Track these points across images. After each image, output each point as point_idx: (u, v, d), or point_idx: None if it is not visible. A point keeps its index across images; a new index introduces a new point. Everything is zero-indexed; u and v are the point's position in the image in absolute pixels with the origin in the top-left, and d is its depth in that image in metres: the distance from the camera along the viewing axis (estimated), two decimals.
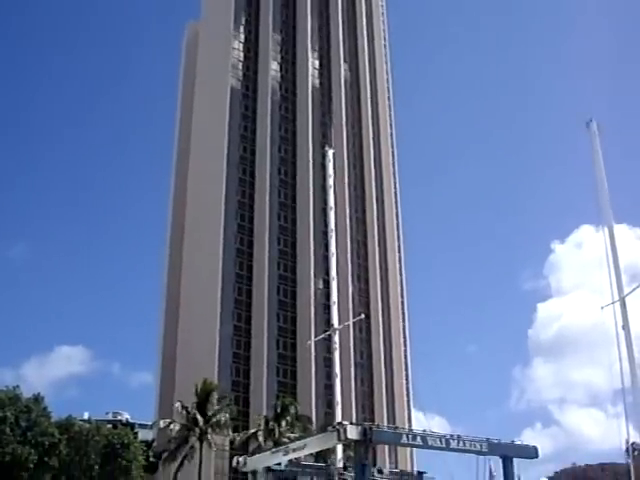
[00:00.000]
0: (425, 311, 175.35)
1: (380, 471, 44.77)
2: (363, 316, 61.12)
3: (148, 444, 76.00)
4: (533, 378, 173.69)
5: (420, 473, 43.54)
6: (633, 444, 29.99)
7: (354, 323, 67.06)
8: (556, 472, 71.57)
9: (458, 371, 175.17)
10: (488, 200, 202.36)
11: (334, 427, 35.75)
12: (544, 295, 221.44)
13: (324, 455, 58.87)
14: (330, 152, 53.91)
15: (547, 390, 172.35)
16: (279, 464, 39.64)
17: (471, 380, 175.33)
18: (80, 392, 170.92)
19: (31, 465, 49.36)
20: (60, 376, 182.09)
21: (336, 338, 42.71)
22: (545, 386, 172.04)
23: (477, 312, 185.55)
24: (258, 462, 39.84)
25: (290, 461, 40.86)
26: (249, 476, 50.02)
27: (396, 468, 67.48)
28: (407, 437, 39.39)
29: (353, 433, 32.06)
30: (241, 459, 41.44)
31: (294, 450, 38.15)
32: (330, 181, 52.64)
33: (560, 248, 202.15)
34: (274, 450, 41.56)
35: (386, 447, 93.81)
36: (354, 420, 40.96)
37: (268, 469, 39.63)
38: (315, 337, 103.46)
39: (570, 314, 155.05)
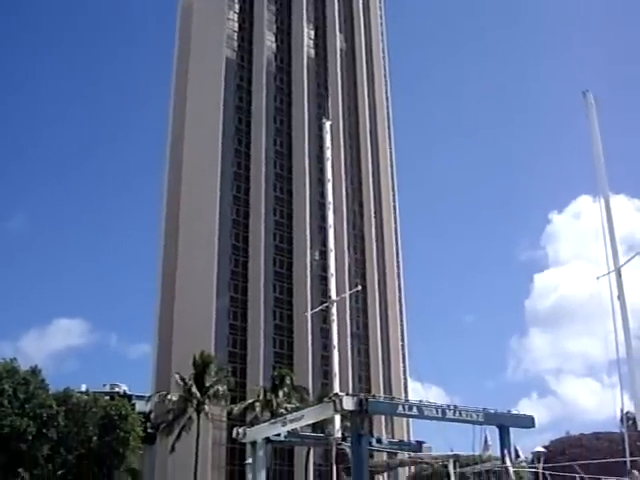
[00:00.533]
0: (422, 282, 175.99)
1: (379, 440, 44.91)
2: (360, 288, 61.28)
3: (146, 415, 76.33)
4: (530, 348, 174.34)
5: (419, 442, 43.72)
6: (627, 413, 30.14)
7: (350, 294, 67.15)
8: (551, 441, 71.86)
9: (455, 341, 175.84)
10: (486, 170, 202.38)
11: (330, 398, 35.93)
12: (541, 266, 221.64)
13: (321, 425, 59.23)
14: (327, 124, 53.66)
15: (544, 360, 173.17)
16: (278, 435, 39.85)
17: (468, 350, 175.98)
18: (78, 364, 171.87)
19: (30, 437, 49.59)
20: (59, 348, 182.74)
21: (334, 310, 42.73)
22: (542, 356, 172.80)
23: (474, 283, 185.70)
24: (257, 433, 40.02)
25: (289, 432, 41.11)
26: (247, 447, 50.42)
27: (393, 438, 67.83)
28: (403, 407, 39.51)
29: (349, 404, 32.18)
30: (240, 430, 41.63)
31: (292, 421, 38.34)
32: (328, 153, 52.36)
33: (558, 219, 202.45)
34: (273, 421, 41.79)
35: (382, 418, 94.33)
36: (351, 391, 41.20)
37: (267, 440, 39.86)
38: (312, 308, 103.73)
39: (567, 285, 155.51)
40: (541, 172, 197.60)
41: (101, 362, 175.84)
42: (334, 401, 33.10)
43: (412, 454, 43.00)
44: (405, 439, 52.64)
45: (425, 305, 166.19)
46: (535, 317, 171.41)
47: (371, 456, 46.38)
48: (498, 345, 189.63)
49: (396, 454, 43.53)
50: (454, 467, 39.05)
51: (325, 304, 45.56)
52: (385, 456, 56.49)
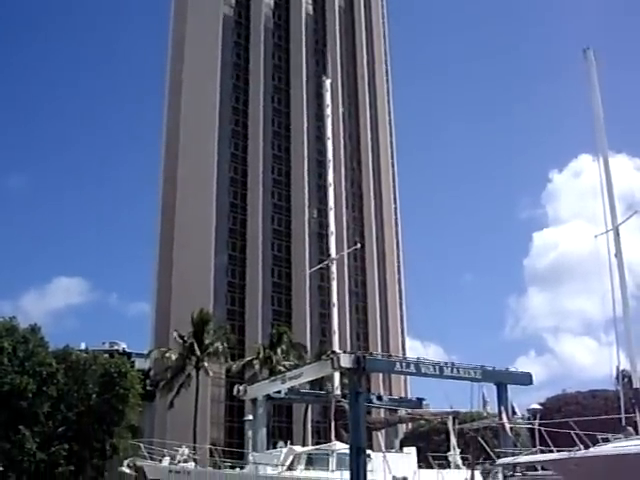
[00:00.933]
0: (420, 241, 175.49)
1: (379, 398, 45.34)
2: (359, 246, 61.19)
3: (145, 373, 76.80)
4: (528, 307, 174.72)
5: (419, 399, 44.11)
6: (623, 371, 30.37)
7: (349, 252, 67.15)
8: (547, 398, 72.39)
9: (454, 300, 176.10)
10: (486, 128, 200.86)
11: (328, 356, 36.27)
12: (541, 224, 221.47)
13: (319, 383, 59.71)
14: (327, 82, 53.68)
15: (542, 319, 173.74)
16: (279, 392, 40.26)
17: (467, 309, 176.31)
18: (78, 323, 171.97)
19: (30, 394, 49.88)
20: (59, 307, 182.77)
21: (333, 268, 42.91)
22: (540, 315, 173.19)
23: (473, 241, 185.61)
24: (258, 390, 40.52)
25: (289, 389, 41.52)
26: (247, 403, 50.88)
27: (391, 396, 68.38)
28: (401, 365, 39.85)
29: (346, 361, 32.50)
30: (241, 388, 42.13)
31: (291, 379, 38.77)
32: (327, 111, 52.38)
33: (558, 177, 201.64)
34: (272, 379, 42.23)
35: (380, 375, 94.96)
36: (349, 348, 41.39)
37: (268, 397, 40.29)
38: (310, 266, 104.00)
39: (566, 243, 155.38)
40: (541, 131, 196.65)
41: (101, 321, 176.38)
42: (332, 359, 33.45)
43: (411, 411, 43.42)
44: (403, 397, 52.92)
45: (424, 264, 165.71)
46: (534, 276, 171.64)
47: (369, 412, 46.83)
48: (496, 304, 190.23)
49: (396, 411, 43.93)
50: (453, 423, 39.41)
51: (325, 262, 45.76)
52: (382, 412, 57.07)
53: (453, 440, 39.86)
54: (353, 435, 32.00)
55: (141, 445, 32.84)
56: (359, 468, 30.79)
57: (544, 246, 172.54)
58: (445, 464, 38.65)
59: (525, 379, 38.55)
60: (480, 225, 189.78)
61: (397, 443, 42.83)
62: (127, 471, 32.68)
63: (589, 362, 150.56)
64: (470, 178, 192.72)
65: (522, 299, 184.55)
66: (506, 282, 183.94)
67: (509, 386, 36.85)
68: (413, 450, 39.02)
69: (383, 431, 48.61)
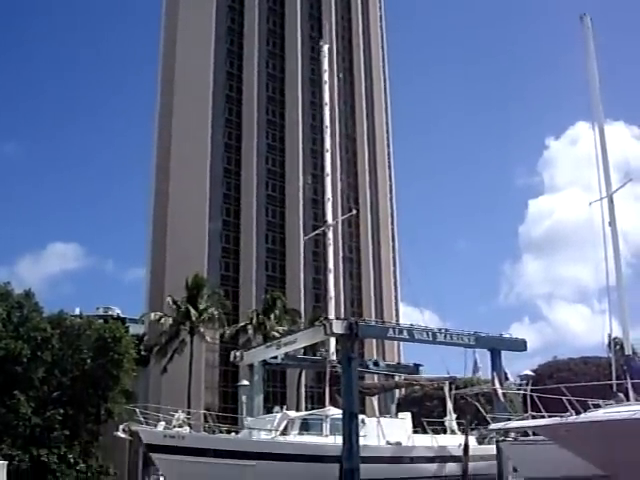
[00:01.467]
0: (415, 207, 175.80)
1: (376, 363, 45.53)
2: (355, 212, 61.12)
3: (139, 338, 76.99)
4: (522, 274, 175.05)
5: (416, 365, 44.31)
6: (615, 339, 30.60)
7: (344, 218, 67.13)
8: (540, 365, 72.77)
9: (449, 267, 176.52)
10: (482, 95, 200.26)
11: (321, 322, 36.47)
12: (537, 191, 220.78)
13: (313, 348, 59.99)
14: (325, 47, 53.49)
15: (536, 286, 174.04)
16: (275, 357, 40.46)
17: (461, 276, 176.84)
18: (73, 288, 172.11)
19: (24, 359, 50.03)
20: (54, 273, 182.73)
21: (330, 234, 42.95)
22: (534, 282, 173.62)
23: (468, 208, 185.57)
24: (254, 356, 40.76)
25: (286, 354, 41.74)
26: (240, 369, 51.17)
27: (384, 361, 68.85)
28: (394, 331, 40.04)
29: (339, 328, 32.72)
30: (238, 354, 42.40)
31: (286, 344, 38.98)
32: (325, 77, 52.32)
33: (555, 145, 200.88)
34: (268, 344, 42.43)
35: (374, 342, 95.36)
36: (342, 314, 41.59)
37: (264, 362, 40.50)
38: (304, 231, 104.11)
39: (561, 211, 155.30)
40: (539, 98, 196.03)
41: (96, 287, 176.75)
42: (324, 325, 33.64)
43: (407, 376, 43.65)
44: (400, 363, 53.19)
45: (418, 231, 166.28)
46: (529, 243, 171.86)
47: (362, 378, 47.11)
48: (491, 270, 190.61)
49: (392, 376, 44.17)
50: (450, 389, 39.67)
51: (321, 229, 45.78)
52: (376, 378, 57.39)
53: (449, 406, 40.16)
54: (345, 400, 32.28)
55: (136, 410, 33.00)
56: (351, 433, 31.10)
57: (539, 213, 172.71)
58: (439, 429, 38.96)
59: (519, 345, 38.76)
60: (476, 192, 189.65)
61: (393, 408, 43.10)
62: (122, 436, 32.86)
63: (582, 330, 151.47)
64: (466, 145, 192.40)
65: (517, 266, 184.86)
66: (501, 249, 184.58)
67: (503, 353, 37.06)
68: (408, 415, 39.29)
69: (377, 397, 49.01)
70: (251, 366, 40.74)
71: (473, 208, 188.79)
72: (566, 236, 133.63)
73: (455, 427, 39.12)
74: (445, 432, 39.19)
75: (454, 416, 39.70)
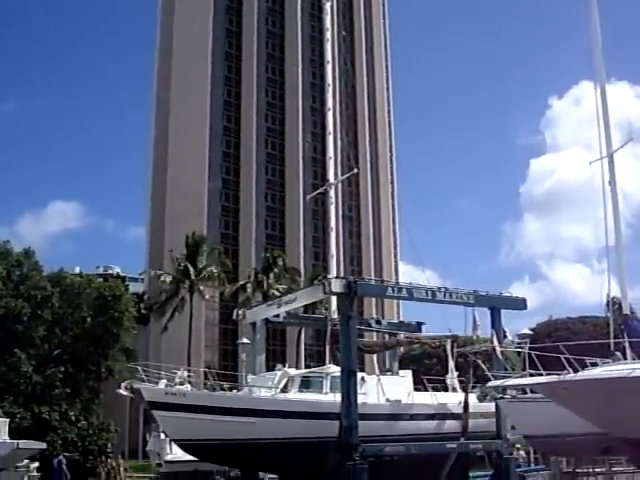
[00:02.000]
0: (417, 166, 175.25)
1: (378, 322, 45.55)
2: (356, 171, 61.03)
3: (139, 296, 77.20)
4: (523, 233, 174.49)
5: (419, 323, 44.29)
6: (613, 298, 30.63)
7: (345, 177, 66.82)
8: (538, 324, 73.01)
9: (450, 226, 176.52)
10: (485, 54, 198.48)
11: (320, 281, 36.49)
12: (539, 151, 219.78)
13: (313, 307, 60.20)
14: (327, 5, 52.98)
15: (536, 245, 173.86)
16: (277, 316, 40.59)
17: (462, 235, 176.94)
18: (74, 247, 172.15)
19: (25, 318, 50.16)
20: (54, 232, 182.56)
21: (331, 193, 42.81)
22: (535, 241, 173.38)
23: (470, 167, 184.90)
24: (256, 314, 40.79)
25: (288, 313, 41.93)
26: (239, 326, 51.37)
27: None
28: (392, 289, 40.04)
29: (337, 286, 32.76)
30: (240, 312, 42.50)
31: (286, 303, 39.06)
32: (327, 34, 51.98)
33: (558, 104, 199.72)
34: (269, 303, 42.48)
35: (373, 301, 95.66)
36: (342, 272, 41.75)
37: (267, 321, 40.64)
38: (303, 190, 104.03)
39: (563, 170, 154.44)
40: (542, 57, 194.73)
41: (96, 245, 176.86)
42: (323, 284, 33.72)
43: (409, 334, 43.71)
44: (402, 321, 53.28)
45: (420, 190, 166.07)
46: (530, 203, 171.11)
47: (361, 336, 47.32)
48: (492, 230, 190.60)
49: (396, 335, 44.21)
50: (452, 347, 39.77)
51: (323, 188, 45.59)
52: (375, 336, 57.59)
53: (451, 364, 40.22)
54: (344, 358, 32.44)
55: (138, 368, 33.22)
56: (350, 390, 31.30)
57: (541, 173, 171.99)
58: (440, 387, 39.17)
59: (519, 304, 38.73)
60: (477, 151, 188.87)
61: (396, 366, 43.21)
62: (124, 393, 33.07)
63: (582, 289, 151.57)
64: (468, 104, 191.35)
65: (518, 226, 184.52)
66: (502, 209, 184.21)
67: (503, 311, 37.11)
68: (409, 373, 39.42)
69: (377, 355, 49.22)
70: (253, 324, 40.84)
71: (475, 167, 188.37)
72: (567, 196, 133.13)
73: (457, 385, 39.31)
74: (446, 390, 39.41)
75: (455, 374, 39.88)
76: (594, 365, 23.16)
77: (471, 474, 38.30)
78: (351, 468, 30.43)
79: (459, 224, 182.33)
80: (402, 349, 61.19)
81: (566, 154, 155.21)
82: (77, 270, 64.47)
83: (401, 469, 33.60)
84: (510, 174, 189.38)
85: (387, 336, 47.20)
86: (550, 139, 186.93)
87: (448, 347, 40.12)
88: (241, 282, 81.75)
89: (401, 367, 46.83)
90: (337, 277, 35.64)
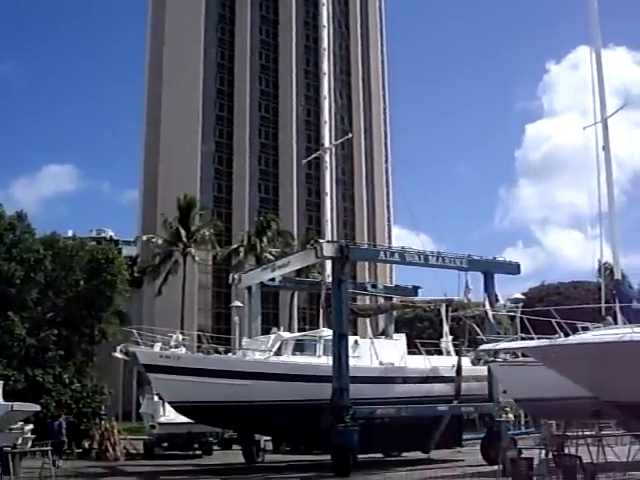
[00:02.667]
0: (412, 130, 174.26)
1: (374, 286, 45.75)
2: (350, 136, 60.93)
3: (132, 260, 77.12)
4: (518, 198, 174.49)
5: (415, 287, 44.40)
6: (605, 264, 30.77)
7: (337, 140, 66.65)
8: (530, 289, 73.33)
9: (444, 191, 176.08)
10: (483, 19, 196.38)
11: (312, 245, 36.77)
12: (535, 116, 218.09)
13: (307, 270, 60.40)
14: None
15: (531, 210, 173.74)
16: (273, 280, 40.82)
17: (457, 200, 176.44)
18: (69, 211, 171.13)
19: (18, 281, 49.93)
20: (49, 195, 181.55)
21: (326, 157, 42.78)
22: (529, 206, 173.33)
23: (466, 132, 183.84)
24: (252, 279, 41.05)
25: (283, 277, 42.20)
26: (233, 290, 51.42)
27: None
28: (385, 254, 40.30)
29: (329, 251, 33.03)
30: (236, 276, 42.86)
31: (280, 267, 39.33)
32: None
33: (555, 69, 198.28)
34: (264, 267, 42.79)
35: (366, 265, 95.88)
36: (335, 237, 41.96)
37: (262, 285, 40.87)
38: (297, 153, 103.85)
39: (559, 136, 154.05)
40: (540, 21, 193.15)
41: (91, 209, 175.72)
42: (316, 248, 33.94)
43: (403, 298, 43.90)
44: (398, 285, 53.22)
45: (415, 154, 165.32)
46: (526, 167, 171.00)
47: (354, 299, 47.54)
48: (487, 195, 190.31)
49: (391, 298, 44.40)
50: (447, 311, 39.97)
51: (318, 152, 45.63)
52: (368, 300, 57.83)
53: (446, 327, 40.50)
54: (336, 322, 32.75)
55: (134, 332, 33.51)
56: (341, 353, 31.65)
57: (537, 138, 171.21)
58: (433, 351, 39.43)
59: (512, 269, 38.85)
60: (474, 116, 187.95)
61: (392, 329, 43.43)
62: (119, 356, 33.43)
63: (575, 255, 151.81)
64: (465, 68, 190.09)
65: (513, 190, 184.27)
66: (498, 174, 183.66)
67: (496, 277, 37.22)
68: (402, 336, 39.69)
69: (370, 319, 49.45)
70: (249, 288, 41.07)
71: (471, 133, 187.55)
72: (563, 161, 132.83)
73: (451, 349, 39.58)
74: (440, 353, 39.66)
75: (449, 338, 40.13)
76: (585, 329, 23.33)
77: (464, 436, 38.74)
78: (342, 430, 30.77)
79: (454, 189, 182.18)
80: (394, 313, 61.50)
81: (563, 119, 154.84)
82: (70, 233, 64.22)
83: (395, 431, 33.95)
84: (507, 139, 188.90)
85: (381, 300, 47.48)
86: (547, 104, 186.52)
87: (443, 311, 40.37)
88: (234, 245, 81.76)
89: (394, 330, 47.11)
90: (329, 241, 35.82)
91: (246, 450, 37.48)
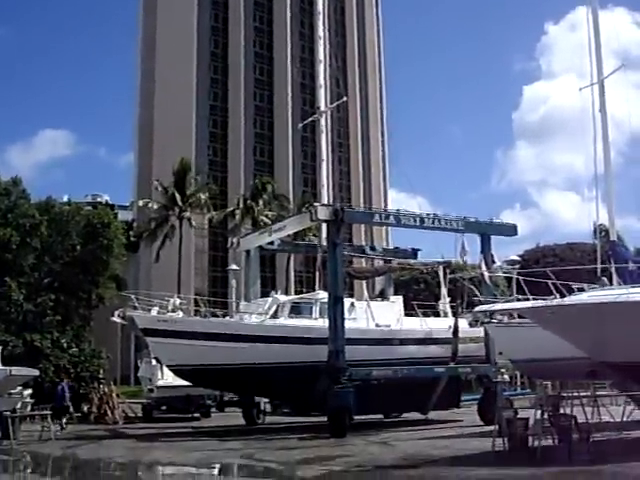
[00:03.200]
0: (408, 91, 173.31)
1: (373, 248, 45.79)
2: (345, 99, 60.72)
3: (128, 224, 77.07)
4: (515, 160, 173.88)
5: (414, 250, 44.36)
6: (601, 225, 30.86)
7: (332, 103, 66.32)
8: (526, 250, 73.37)
9: (442, 152, 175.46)
10: None
11: (307, 209, 36.84)
12: (533, 77, 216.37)
13: (303, 234, 60.52)
14: None
15: (528, 172, 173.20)
16: (272, 243, 40.95)
17: (454, 162, 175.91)
18: (65, 176, 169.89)
19: (14, 246, 49.98)
20: (45, 160, 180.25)
21: (322, 121, 42.60)
22: (526, 169, 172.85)
23: (464, 94, 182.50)
24: (250, 242, 41.24)
25: (282, 240, 42.41)
26: (229, 253, 51.63)
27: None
28: (380, 216, 40.40)
29: (324, 214, 33.16)
30: (235, 240, 43.25)
31: (276, 231, 39.49)
32: None
33: (554, 29, 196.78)
34: (262, 231, 42.98)
35: (362, 228, 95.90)
36: (331, 199, 41.87)
37: (261, 248, 41.06)
38: (292, 116, 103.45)
39: (557, 97, 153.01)
40: None
41: (87, 174, 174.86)
42: (310, 212, 34.09)
43: (402, 261, 43.94)
44: (399, 247, 52.95)
45: (411, 116, 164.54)
46: (523, 130, 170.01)
47: (350, 262, 47.67)
48: (483, 157, 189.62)
49: (390, 261, 44.44)
50: (444, 273, 40.06)
51: (314, 116, 45.54)
52: (364, 262, 57.91)
53: (444, 290, 40.65)
54: (331, 284, 33.02)
55: (132, 296, 33.79)
56: (336, 315, 31.92)
57: (535, 100, 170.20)
58: (430, 313, 39.61)
59: (509, 230, 38.83)
60: (471, 78, 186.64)
61: (391, 291, 43.48)
62: (117, 321, 33.75)
63: (572, 217, 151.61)
64: (463, 30, 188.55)
65: (510, 152, 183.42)
66: (495, 135, 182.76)
67: (493, 239, 37.20)
68: (399, 298, 39.86)
69: (367, 281, 49.59)
70: (247, 252, 41.29)
71: (469, 94, 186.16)
72: (561, 123, 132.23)
73: (449, 311, 39.72)
74: (438, 315, 39.83)
75: (447, 300, 40.25)
76: (581, 290, 23.45)
77: (463, 398, 39.05)
78: (338, 391, 31.10)
79: (451, 151, 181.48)
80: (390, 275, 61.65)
81: (560, 81, 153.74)
82: (65, 198, 64.07)
83: (393, 392, 34.20)
84: (505, 101, 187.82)
85: (378, 262, 47.59)
86: (545, 66, 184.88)
87: (441, 273, 40.49)
88: (230, 209, 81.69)
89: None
90: (324, 205, 35.89)
91: (246, 412, 38.04)
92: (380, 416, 38.28)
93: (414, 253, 44.04)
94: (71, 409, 37.59)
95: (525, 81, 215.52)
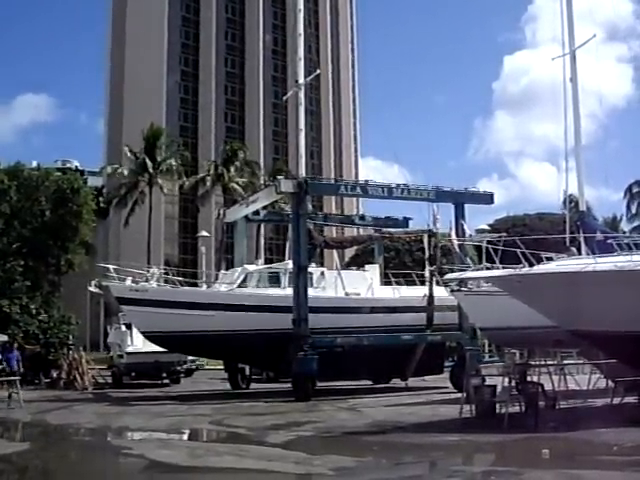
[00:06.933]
0: (387, 57, 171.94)
1: (362, 217, 45.78)
2: (319, 72, 60.50)
3: (98, 190, 76.48)
4: (493, 130, 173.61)
5: (406, 219, 44.13)
6: (570, 196, 31.07)
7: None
8: (496, 220, 73.54)
9: (420, 121, 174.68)
10: None
11: (272, 182, 37.68)
12: (517, 48, 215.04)
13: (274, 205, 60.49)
14: None
15: (506, 143, 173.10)
16: (257, 213, 41.24)
17: (433, 130, 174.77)
18: (43, 141, 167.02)
19: None
20: (24, 124, 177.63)
21: (301, 94, 42.42)
22: (505, 139, 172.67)
23: (446, 62, 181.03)
24: (235, 213, 41.67)
25: (269, 211, 43.29)
26: (199, 220, 51.52)
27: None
28: (345, 187, 40.79)
29: (288, 186, 33.82)
30: (221, 211, 44.27)
31: (252, 203, 39.95)
32: None
33: None
34: (241, 202, 43.90)
35: (332, 200, 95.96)
36: (303, 167, 41.72)
37: (247, 219, 41.43)
38: (263, 84, 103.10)
39: (538, 68, 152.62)
40: None
41: (65, 139, 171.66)
42: (275, 185, 34.85)
43: (385, 230, 43.82)
44: (389, 216, 52.55)
45: (390, 82, 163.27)
46: (503, 100, 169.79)
47: (322, 231, 47.80)
48: (462, 126, 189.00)
49: (379, 230, 44.29)
50: (429, 241, 40.05)
51: (293, 90, 45.59)
52: (334, 231, 58.01)
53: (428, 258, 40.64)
54: (294, 254, 33.70)
55: (110, 267, 34.71)
56: (299, 284, 32.54)
57: (516, 70, 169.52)
58: (403, 282, 39.69)
59: (485, 199, 38.69)
60: (454, 47, 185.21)
61: (380, 260, 43.13)
62: (94, 290, 34.74)
63: (548, 188, 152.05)
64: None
65: (488, 122, 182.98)
66: (474, 104, 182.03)
67: (470, 209, 37.13)
68: (375, 267, 40.02)
69: (337, 251, 49.74)
70: (234, 223, 41.73)
71: (451, 63, 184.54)
72: (540, 93, 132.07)
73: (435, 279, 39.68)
74: (423, 284, 39.60)
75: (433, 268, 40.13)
76: (549, 260, 23.61)
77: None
78: (302, 358, 31.75)
79: (431, 119, 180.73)
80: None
81: (543, 51, 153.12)
82: (34, 164, 63.38)
83: (368, 359, 34.38)
84: (488, 70, 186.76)
85: (358, 231, 47.80)
86: (530, 35, 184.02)
87: (425, 241, 40.42)
88: (200, 175, 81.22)
89: (360, 261, 47.39)
90: (287, 177, 36.68)
91: (231, 377, 38.97)
92: (369, 382, 38.44)
93: (405, 222, 43.77)
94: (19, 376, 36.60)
95: (510, 51, 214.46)
